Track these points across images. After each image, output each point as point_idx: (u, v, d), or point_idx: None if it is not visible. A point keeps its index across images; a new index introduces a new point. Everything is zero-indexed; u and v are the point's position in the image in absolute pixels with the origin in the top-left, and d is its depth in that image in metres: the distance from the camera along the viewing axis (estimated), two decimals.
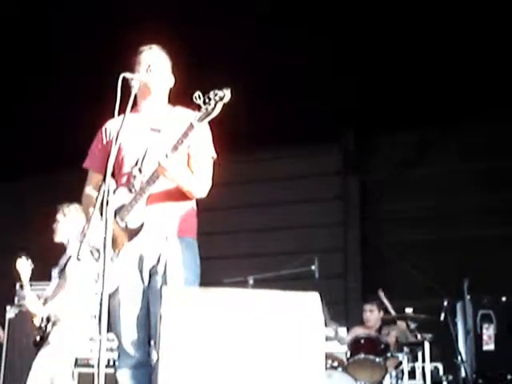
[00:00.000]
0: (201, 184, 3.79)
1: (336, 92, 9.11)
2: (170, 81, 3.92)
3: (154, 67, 3.79)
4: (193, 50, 7.33)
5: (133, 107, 3.58)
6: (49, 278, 6.84)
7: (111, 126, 3.88)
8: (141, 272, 3.71)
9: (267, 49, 8.50)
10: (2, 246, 10.43)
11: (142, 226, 3.64)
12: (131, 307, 3.70)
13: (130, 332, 3.71)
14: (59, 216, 5.60)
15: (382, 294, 7.80)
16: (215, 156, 3.87)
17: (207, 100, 3.45)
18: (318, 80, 8.99)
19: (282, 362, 2.87)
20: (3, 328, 6.79)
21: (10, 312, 6.78)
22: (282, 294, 2.96)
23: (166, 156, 3.55)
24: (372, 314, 7.42)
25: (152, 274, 3.70)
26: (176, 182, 3.68)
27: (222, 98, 3.43)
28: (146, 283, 3.71)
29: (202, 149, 3.81)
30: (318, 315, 2.89)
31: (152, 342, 3.68)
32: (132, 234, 3.65)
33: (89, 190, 3.92)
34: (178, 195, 3.74)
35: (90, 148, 3.99)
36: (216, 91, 3.44)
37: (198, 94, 3.47)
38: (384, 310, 7.57)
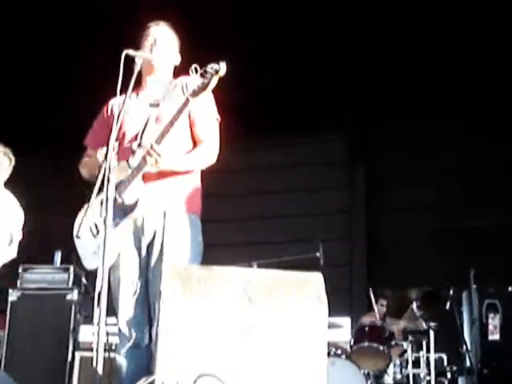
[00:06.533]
0: (207, 153, 3.73)
1: (336, 79, 9.05)
2: (174, 57, 3.87)
3: (159, 43, 3.74)
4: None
5: (138, 84, 3.51)
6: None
7: (113, 103, 3.83)
8: (138, 249, 3.65)
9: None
10: None
11: (136, 202, 3.57)
12: (129, 285, 3.63)
13: (127, 311, 3.62)
14: None
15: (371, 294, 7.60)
16: (219, 118, 3.81)
17: (204, 73, 3.37)
18: (318, 66, 8.93)
19: (283, 346, 2.81)
20: (5, 311, 6.74)
21: (13, 295, 6.74)
22: (284, 273, 2.89)
23: (152, 147, 3.47)
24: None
25: (149, 250, 3.63)
26: (169, 169, 3.62)
27: (217, 71, 3.35)
28: (144, 260, 3.64)
29: (205, 113, 3.74)
30: (321, 296, 2.82)
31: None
32: (128, 210, 3.58)
33: (85, 160, 3.90)
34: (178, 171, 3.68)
35: (92, 125, 3.96)
36: (212, 64, 3.36)
37: (194, 67, 3.38)
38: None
